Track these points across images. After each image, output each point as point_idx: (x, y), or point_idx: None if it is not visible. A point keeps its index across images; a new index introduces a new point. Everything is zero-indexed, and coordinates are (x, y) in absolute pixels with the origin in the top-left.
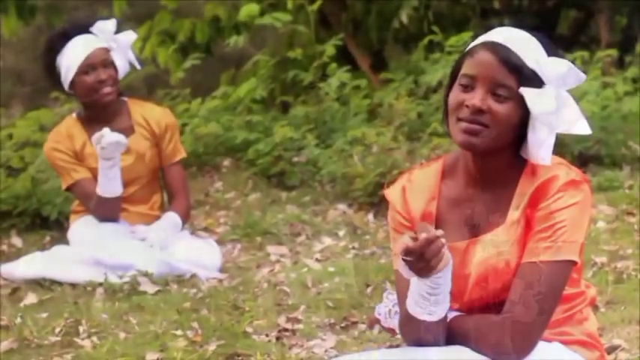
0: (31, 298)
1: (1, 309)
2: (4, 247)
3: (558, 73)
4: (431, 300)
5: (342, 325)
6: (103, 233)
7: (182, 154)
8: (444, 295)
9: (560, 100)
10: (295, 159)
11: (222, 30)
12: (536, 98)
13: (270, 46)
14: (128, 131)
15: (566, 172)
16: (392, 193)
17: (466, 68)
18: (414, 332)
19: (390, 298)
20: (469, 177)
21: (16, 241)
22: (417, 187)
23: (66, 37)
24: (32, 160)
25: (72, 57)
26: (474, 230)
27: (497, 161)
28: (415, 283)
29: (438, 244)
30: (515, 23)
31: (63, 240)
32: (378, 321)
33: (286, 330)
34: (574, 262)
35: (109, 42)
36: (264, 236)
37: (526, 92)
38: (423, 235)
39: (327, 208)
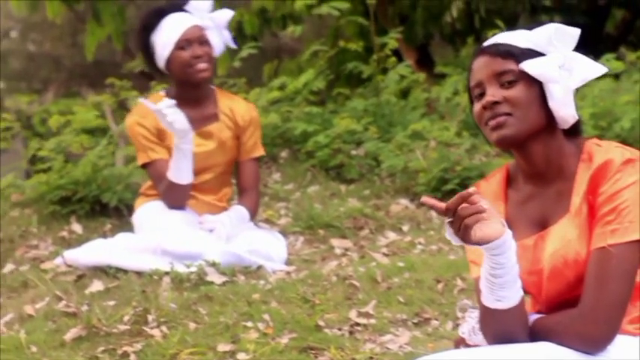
0: (97, 286)
1: (68, 296)
2: (65, 234)
3: (548, 35)
4: (496, 283)
5: (415, 320)
6: (171, 221)
7: (260, 152)
8: (510, 278)
9: (567, 60)
10: (354, 152)
11: (269, 21)
12: (536, 64)
13: (311, 37)
14: (213, 118)
15: (621, 152)
16: None
17: (471, 81)
18: (491, 325)
19: (472, 315)
20: (527, 175)
21: (76, 227)
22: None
23: (161, 14)
24: (92, 146)
25: (168, 33)
26: (541, 225)
27: (542, 148)
28: (482, 269)
29: (472, 200)
30: (564, 20)
31: (123, 228)
32: (463, 340)
33: (358, 324)
34: None
35: (205, 20)
36: (326, 229)
37: (526, 65)
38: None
39: (388, 203)
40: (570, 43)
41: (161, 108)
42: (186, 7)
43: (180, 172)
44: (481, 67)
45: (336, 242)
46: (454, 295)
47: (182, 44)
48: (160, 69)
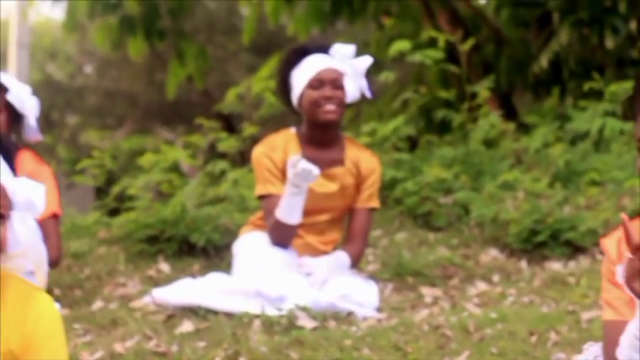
0: (186, 326)
1: (157, 335)
2: (152, 273)
3: None
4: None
5: None
6: (269, 260)
7: (376, 204)
8: None
9: None
10: (442, 200)
11: None
12: None
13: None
14: (339, 162)
15: None
16: (608, 244)
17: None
18: None
19: (590, 350)
20: None
21: (164, 266)
22: None
23: (304, 52)
24: (181, 186)
25: (304, 71)
26: None
27: None
28: (631, 325)
29: None
30: None
31: (211, 269)
32: None
33: None
34: None
35: (345, 65)
36: (415, 277)
37: None
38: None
39: (477, 252)
40: None
41: (304, 167)
42: (330, 50)
43: (293, 212)
44: None
45: (425, 290)
46: (547, 349)
47: (314, 84)
48: (292, 106)
